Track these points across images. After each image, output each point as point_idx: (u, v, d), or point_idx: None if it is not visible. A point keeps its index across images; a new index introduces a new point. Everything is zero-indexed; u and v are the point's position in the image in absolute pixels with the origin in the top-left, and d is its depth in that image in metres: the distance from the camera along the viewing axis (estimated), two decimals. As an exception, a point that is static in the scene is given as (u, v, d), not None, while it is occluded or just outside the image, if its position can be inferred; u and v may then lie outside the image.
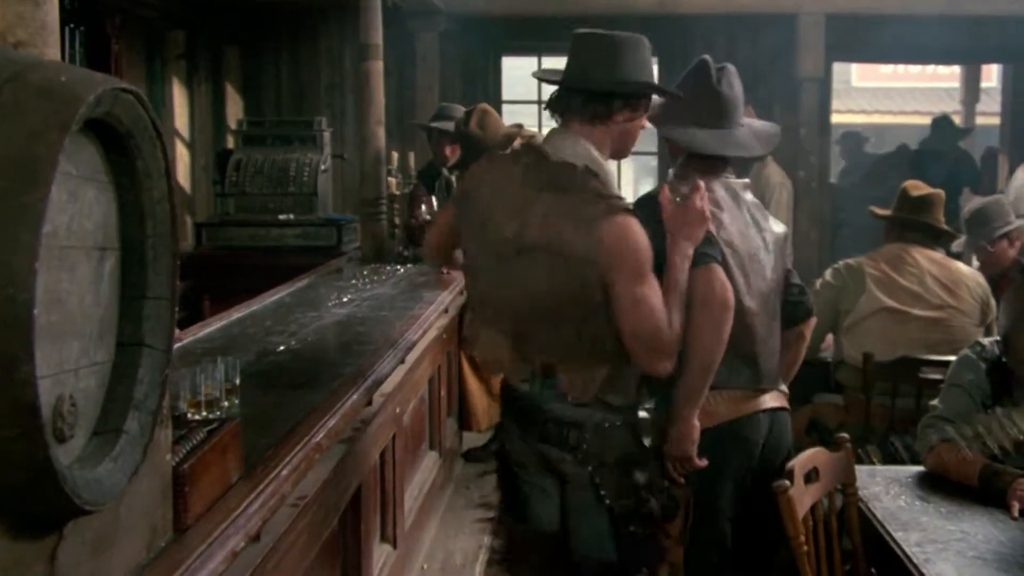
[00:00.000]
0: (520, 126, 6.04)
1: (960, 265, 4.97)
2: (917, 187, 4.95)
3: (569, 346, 2.90)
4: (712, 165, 3.39)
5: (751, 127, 3.49)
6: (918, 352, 4.58)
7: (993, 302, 4.82)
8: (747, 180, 3.51)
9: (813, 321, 3.58)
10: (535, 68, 9.66)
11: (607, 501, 3.00)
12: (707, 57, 3.40)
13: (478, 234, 2.98)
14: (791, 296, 3.49)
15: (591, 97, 2.91)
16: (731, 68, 3.42)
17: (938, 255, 4.94)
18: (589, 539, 3.06)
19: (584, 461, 2.98)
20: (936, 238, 4.95)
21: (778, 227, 3.53)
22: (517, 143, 5.35)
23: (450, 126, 6.33)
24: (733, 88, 3.40)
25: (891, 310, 4.73)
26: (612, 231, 2.79)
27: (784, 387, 3.53)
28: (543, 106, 3.10)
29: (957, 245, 5.80)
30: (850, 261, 4.98)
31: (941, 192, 4.97)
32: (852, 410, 4.75)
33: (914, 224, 4.90)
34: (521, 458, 3.09)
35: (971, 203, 5.82)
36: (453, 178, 6.62)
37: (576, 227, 2.81)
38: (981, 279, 4.91)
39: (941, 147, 9.29)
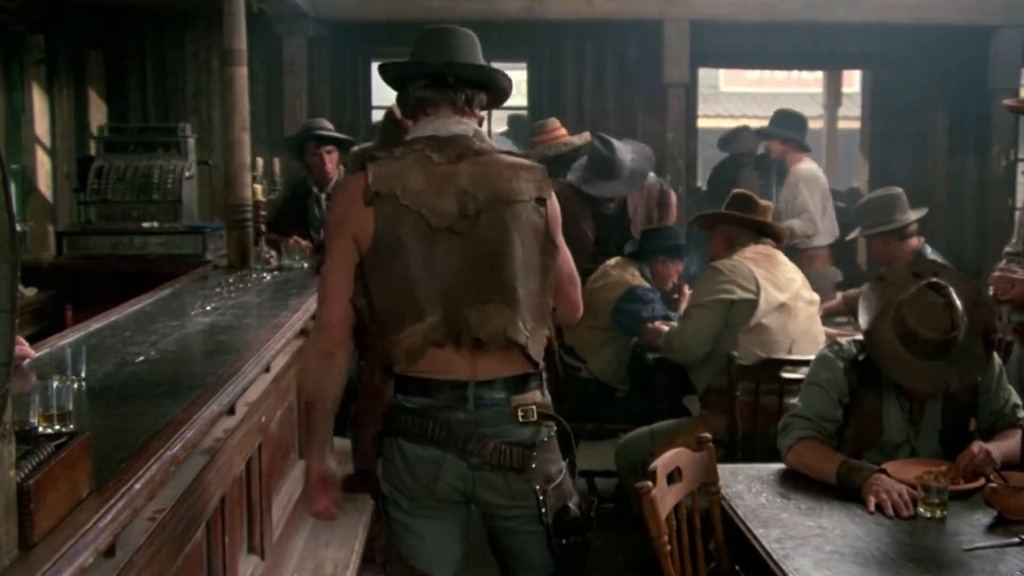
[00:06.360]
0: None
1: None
2: (748, 192, 5.14)
3: (525, 300, 2.89)
4: None
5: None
6: (806, 346, 4.65)
7: None
8: None
9: None
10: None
11: (546, 520, 2.90)
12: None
13: (414, 226, 2.84)
14: None
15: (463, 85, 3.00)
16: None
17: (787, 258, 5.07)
18: (536, 564, 3.00)
19: (531, 480, 2.89)
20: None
21: None
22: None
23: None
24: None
25: (783, 306, 4.73)
26: (549, 183, 3.01)
27: None
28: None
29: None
30: (728, 265, 4.80)
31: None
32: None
33: (768, 228, 4.99)
34: (414, 492, 2.93)
35: (876, 192, 6.02)
36: (324, 196, 6.51)
37: (518, 176, 2.94)
38: None
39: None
